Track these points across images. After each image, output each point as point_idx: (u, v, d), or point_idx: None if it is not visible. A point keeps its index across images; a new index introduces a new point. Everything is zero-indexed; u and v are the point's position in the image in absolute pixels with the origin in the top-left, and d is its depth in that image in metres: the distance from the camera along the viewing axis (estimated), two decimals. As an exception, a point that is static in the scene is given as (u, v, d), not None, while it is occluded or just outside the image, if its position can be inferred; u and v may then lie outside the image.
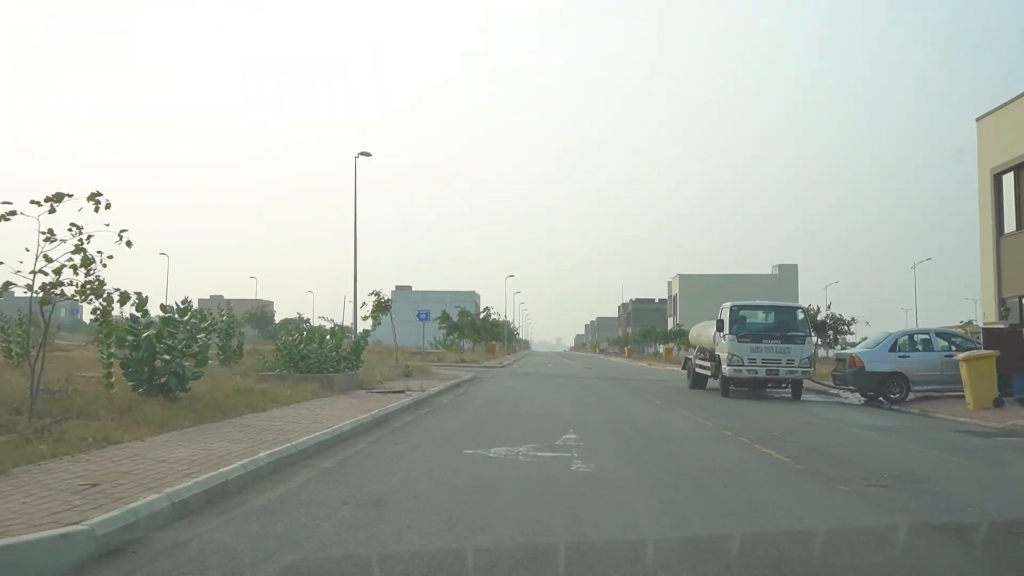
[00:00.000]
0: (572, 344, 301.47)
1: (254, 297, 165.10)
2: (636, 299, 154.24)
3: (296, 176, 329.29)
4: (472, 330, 60.65)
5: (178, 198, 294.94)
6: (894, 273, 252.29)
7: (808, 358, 25.40)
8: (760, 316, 27.11)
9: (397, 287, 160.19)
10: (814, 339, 29.31)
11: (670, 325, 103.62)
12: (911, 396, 23.49)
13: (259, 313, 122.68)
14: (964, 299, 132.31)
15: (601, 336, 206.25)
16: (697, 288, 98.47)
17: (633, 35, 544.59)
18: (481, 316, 62.09)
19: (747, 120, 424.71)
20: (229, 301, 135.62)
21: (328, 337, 21.20)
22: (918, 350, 24.40)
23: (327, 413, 13.84)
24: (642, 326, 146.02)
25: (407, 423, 14.42)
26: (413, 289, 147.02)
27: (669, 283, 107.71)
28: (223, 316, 22.85)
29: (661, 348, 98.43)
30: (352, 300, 52.45)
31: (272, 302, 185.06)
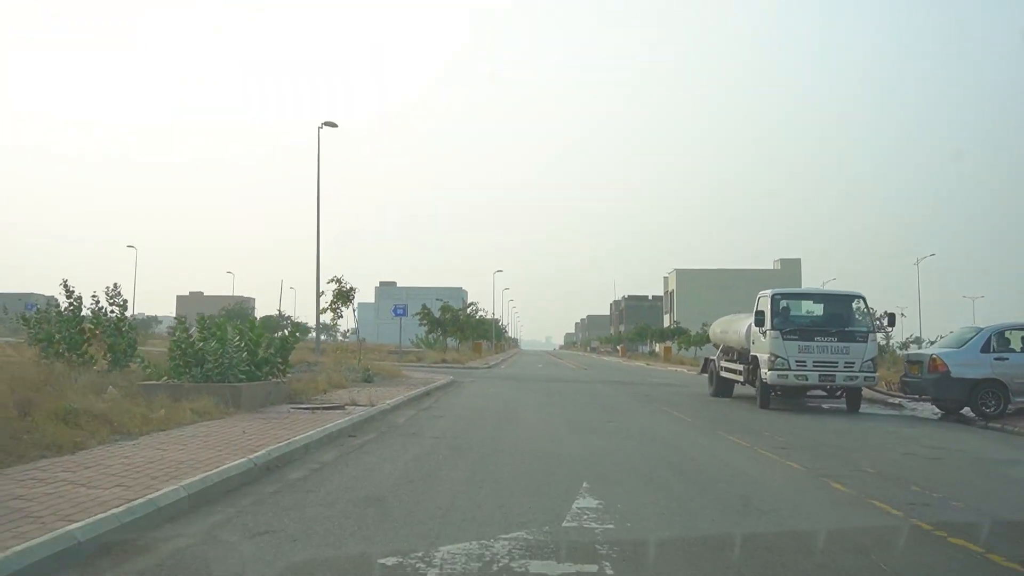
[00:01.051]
0: (562, 342, 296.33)
1: (232, 294, 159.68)
2: (629, 296, 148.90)
3: (288, 174, 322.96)
4: (455, 327, 55.12)
5: (166, 196, 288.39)
6: (896, 270, 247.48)
7: (872, 360, 19.97)
8: (809, 307, 21.81)
9: (381, 283, 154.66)
10: (877, 336, 23.84)
11: (666, 322, 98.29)
12: (1010, 408, 18.15)
13: (236, 310, 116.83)
14: (961, 297, 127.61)
15: (592, 334, 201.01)
16: (695, 284, 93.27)
17: (631, 28, 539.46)
18: (467, 311, 56.45)
19: (744, 115, 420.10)
20: (207, 297, 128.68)
21: (234, 332, 15.56)
22: (1016, 351, 19.05)
23: (174, 456, 8.28)
24: (636, 324, 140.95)
25: (311, 472, 8.80)
26: (398, 285, 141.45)
27: (665, 279, 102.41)
28: (113, 307, 17.16)
29: (658, 347, 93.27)
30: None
31: (253, 299, 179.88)
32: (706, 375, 26.48)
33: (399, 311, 45.63)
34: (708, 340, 71.83)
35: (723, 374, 23.54)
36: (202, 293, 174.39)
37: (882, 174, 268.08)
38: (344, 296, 27.43)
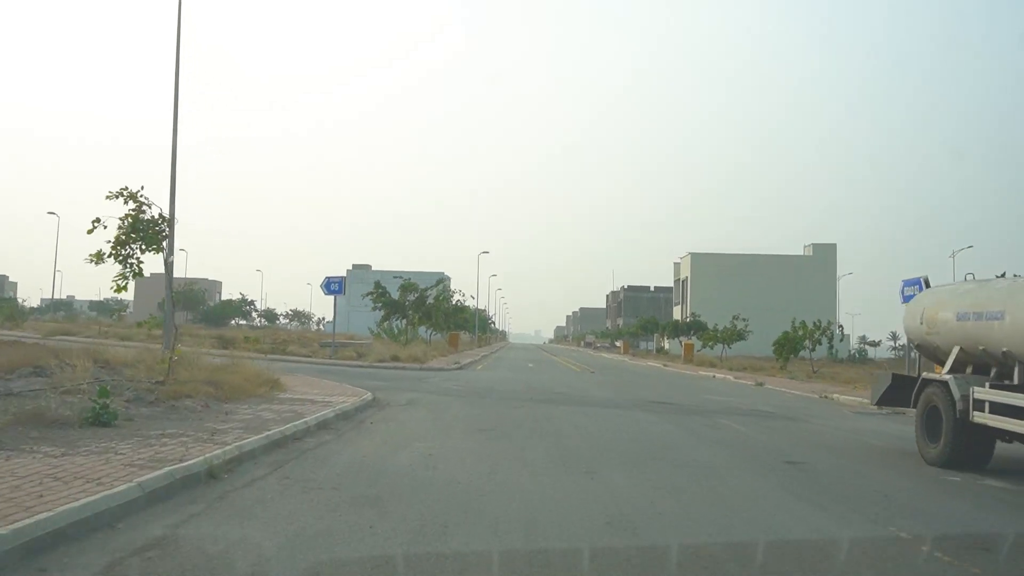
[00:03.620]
0: (551, 336, 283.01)
1: (201, 277, 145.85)
2: (629, 287, 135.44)
3: (283, 165, 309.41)
4: (421, 312, 41.51)
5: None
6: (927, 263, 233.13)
7: None
8: None
9: (354, 266, 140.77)
10: None
11: (677, 314, 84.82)
12: None
13: (186, 292, 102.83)
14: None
15: (586, 328, 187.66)
16: (713, 270, 79.87)
17: (640, 4, 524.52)
18: (436, 294, 42.79)
19: (758, 97, 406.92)
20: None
21: None
22: None
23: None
24: (635, 317, 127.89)
25: None
26: (373, 268, 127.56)
27: (676, 265, 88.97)
28: None
29: (666, 343, 79.96)
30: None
31: (220, 282, 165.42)
32: (881, 407, 12.87)
33: (333, 287, 31.97)
34: (740, 337, 58.89)
35: (977, 417, 9.75)
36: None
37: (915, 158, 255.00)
38: (144, 232, 13.34)
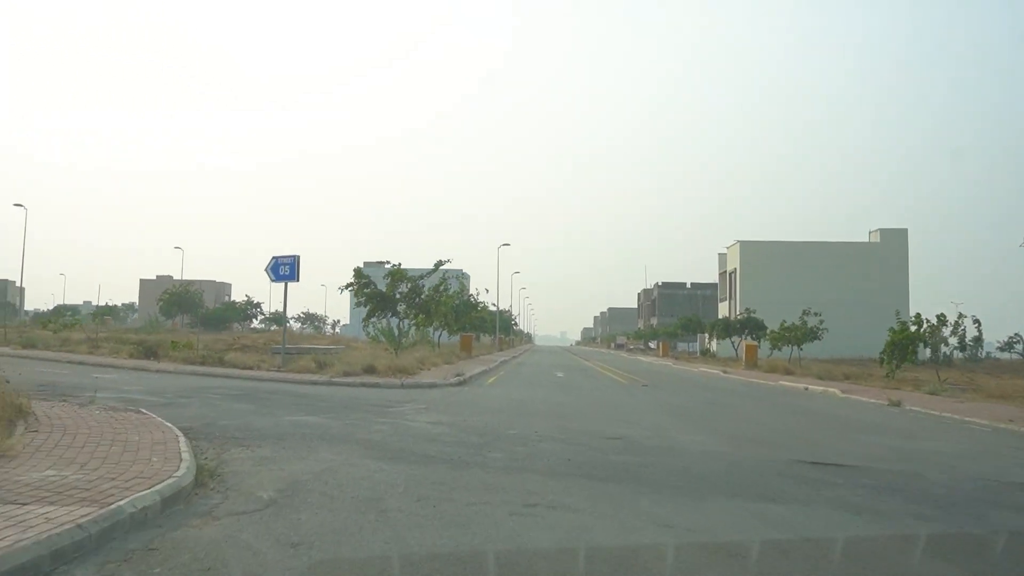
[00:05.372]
0: (579, 338, 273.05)
1: (208, 279, 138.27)
2: (663, 283, 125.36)
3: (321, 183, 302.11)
4: (417, 308, 32.08)
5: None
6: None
7: None
8: None
9: (365, 263, 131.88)
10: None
11: (723, 311, 74.85)
12: None
13: (180, 293, 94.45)
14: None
15: (615, 329, 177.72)
16: (765, 260, 69.82)
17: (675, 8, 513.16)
18: (440, 285, 33.34)
19: (804, 80, 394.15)
20: (176, 281, 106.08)
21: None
22: None
23: None
24: (671, 315, 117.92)
25: None
26: (389, 265, 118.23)
27: (722, 256, 78.86)
28: None
29: (713, 344, 70.07)
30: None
31: (229, 284, 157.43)
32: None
33: (282, 271, 22.78)
34: (813, 336, 48.73)
35: None
36: (171, 277, 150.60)
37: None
38: None
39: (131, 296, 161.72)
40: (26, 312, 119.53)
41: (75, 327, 36.79)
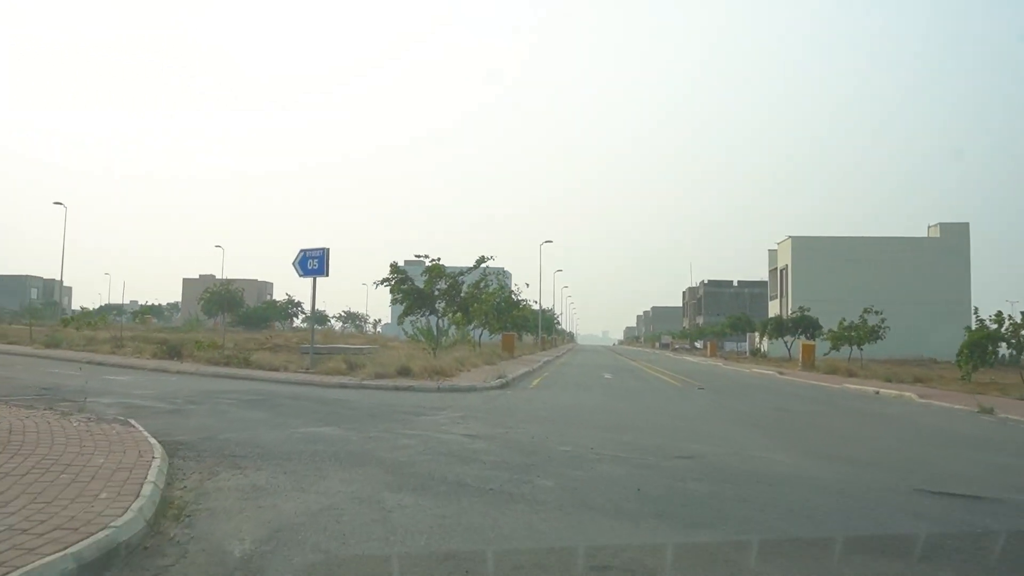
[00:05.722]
0: (621, 337, 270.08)
1: (250, 278, 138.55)
2: (709, 281, 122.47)
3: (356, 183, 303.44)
4: (456, 305, 30.38)
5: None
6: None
7: None
8: None
9: (406, 262, 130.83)
10: None
11: (773, 310, 72.13)
12: None
13: (221, 292, 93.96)
14: None
15: (659, 328, 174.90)
16: (819, 256, 67.08)
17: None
18: (476, 281, 31.64)
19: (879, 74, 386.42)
20: (219, 280, 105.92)
21: None
22: None
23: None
24: (717, 314, 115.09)
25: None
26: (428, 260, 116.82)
27: (772, 252, 76.06)
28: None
29: (764, 344, 67.41)
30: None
31: (271, 283, 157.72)
32: None
33: (311, 266, 21.21)
34: (875, 336, 45.95)
35: None
36: (213, 276, 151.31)
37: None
38: None
39: (177, 296, 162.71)
40: (73, 311, 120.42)
41: (99, 325, 35.70)
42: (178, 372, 20.51)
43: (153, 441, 8.16)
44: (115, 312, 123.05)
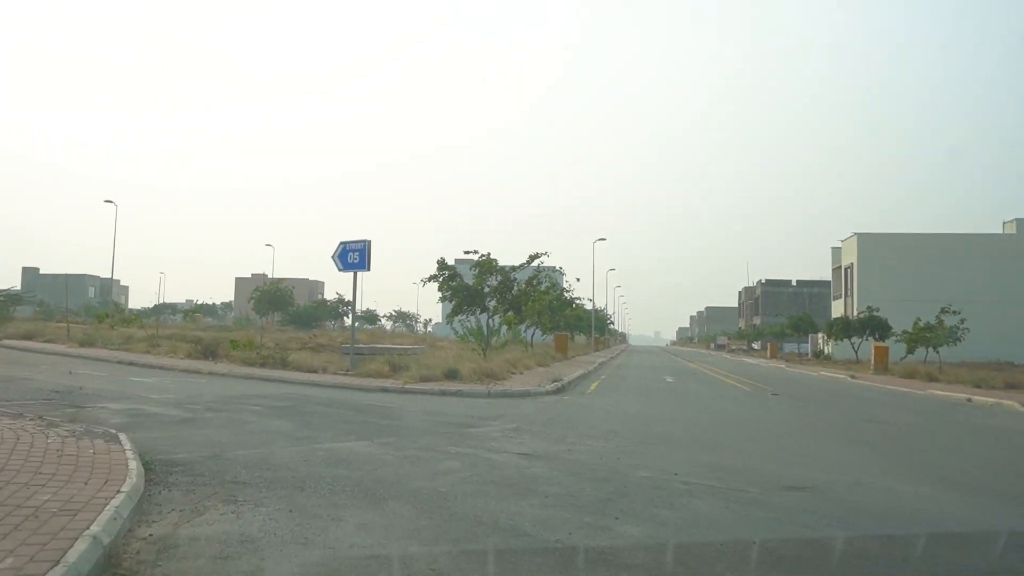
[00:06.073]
0: (674, 338, 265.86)
1: (303, 277, 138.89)
2: (767, 281, 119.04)
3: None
4: (506, 303, 28.63)
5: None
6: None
7: None
8: None
9: (456, 261, 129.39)
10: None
11: (837, 310, 69.05)
12: None
13: (271, 291, 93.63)
14: None
15: (713, 329, 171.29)
16: (887, 253, 63.89)
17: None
18: (529, 278, 29.88)
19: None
20: (271, 280, 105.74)
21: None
22: None
23: None
24: (775, 314, 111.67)
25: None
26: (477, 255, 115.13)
27: (836, 250, 72.83)
28: None
29: (828, 346, 64.41)
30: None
31: (322, 282, 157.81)
32: None
33: (351, 259, 19.64)
34: (953, 338, 42.85)
35: None
36: (265, 275, 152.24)
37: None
38: None
39: (231, 295, 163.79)
40: (130, 310, 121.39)
41: (135, 323, 34.73)
42: (209, 373, 19.09)
43: (133, 464, 6.52)
44: (169, 311, 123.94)
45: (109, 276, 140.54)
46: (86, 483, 5.76)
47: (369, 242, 19.93)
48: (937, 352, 41.61)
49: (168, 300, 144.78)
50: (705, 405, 18.00)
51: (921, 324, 42.52)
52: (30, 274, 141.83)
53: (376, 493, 6.57)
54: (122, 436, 7.93)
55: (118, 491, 5.46)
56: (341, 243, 20.23)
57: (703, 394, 21.74)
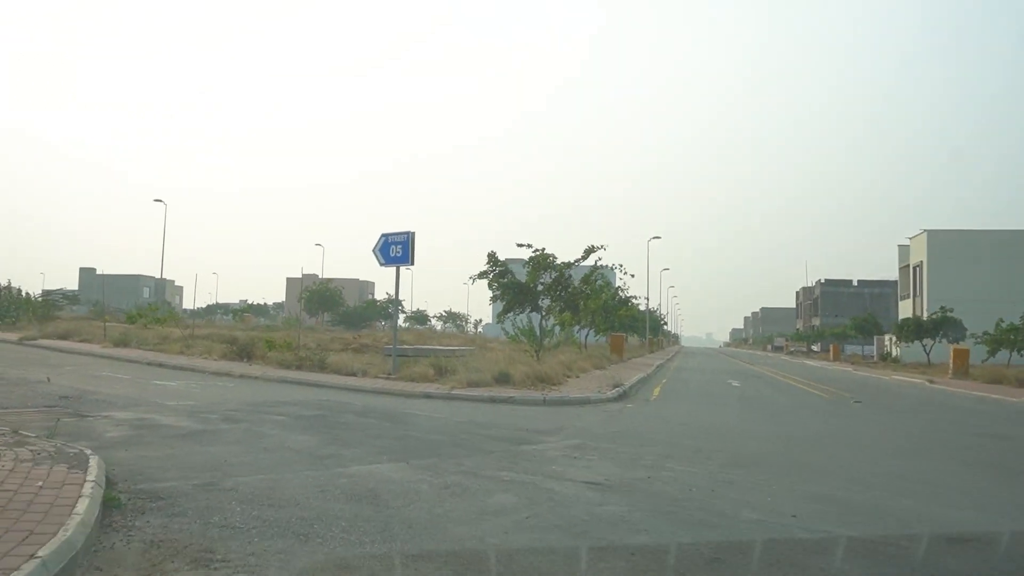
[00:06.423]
0: (727, 339, 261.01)
1: (352, 277, 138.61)
2: (827, 280, 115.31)
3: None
4: (562, 300, 26.84)
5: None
6: None
7: None
8: None
9: (507, 260, 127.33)
10: None
11: (905, 311, 65.85)
12: None
13: (320, 291, 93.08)
14: None
15: (768, 330, 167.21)
16: (960, 251, 60.61)
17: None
18: (586, 275, 28.06)
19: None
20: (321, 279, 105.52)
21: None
22: None
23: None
24: (835, 316, 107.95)
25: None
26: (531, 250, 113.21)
27: (904, 248, 69.48)
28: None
29: (895, 348, 61.35)
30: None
31: (372, 282, 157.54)
32: None
33: (393, 253, 18.06)
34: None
35: None
36: (316, 275, 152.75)
37: None
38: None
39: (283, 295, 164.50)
40: (185, 311, 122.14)
41: (167, 322, 33.70)
42: (240, 376, 17.68)
43: (82, 506, 4.92)
44: (221, 311, 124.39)
45: (163, 277, 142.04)
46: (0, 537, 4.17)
47: (412, 234, 18.33)
48: (1022, 355, 38.83)
49: (222, 300, 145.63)
50: (786, 415, 16.05)
51: (1004, 324, 39.73)
52: (87, 274, 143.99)
53: (404, 547, 4.89)
54: (93, 461, 6.37)
55: (32, 556, 3.85)
56: (383, 235, 18.67)
57: (779, 401, 19.73)
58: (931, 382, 33.61)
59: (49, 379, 15.20)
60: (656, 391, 20.82)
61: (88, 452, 6.77)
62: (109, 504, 5.44)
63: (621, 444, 10.06)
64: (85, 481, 5.58)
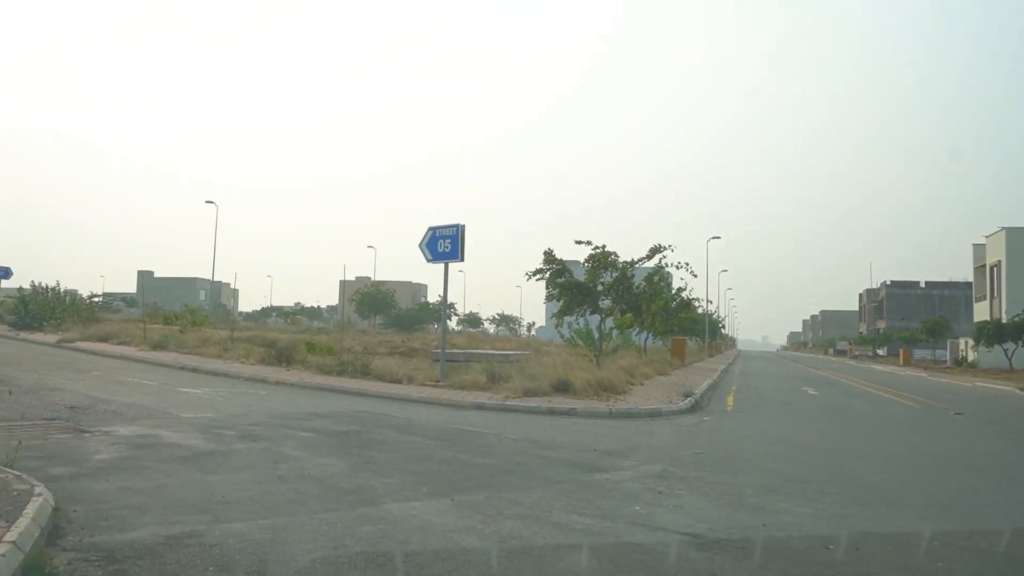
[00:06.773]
0: (784, 343, 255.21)
1: (405, 280, 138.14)
2: (892, 282, 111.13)
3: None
4: (624, 301, 24.94)
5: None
6: None
7: None
8: None
9: (564, 261, 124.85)
10: None
11: (981, 313, 62.37)
12: None
13: (372, 294, 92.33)
14: None
15: (829, 333, 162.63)
16: (1043, 250, 57.07)
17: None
18: (650, 274, 26.08)
19: None
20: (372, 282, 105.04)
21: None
22: None
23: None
24: (901, 318, 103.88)
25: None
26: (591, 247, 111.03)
27: (980, 247, 65.82)
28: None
29: (973, 353, 58.03)
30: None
31: (425, 285, 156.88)
32: None
33: (442, 248, 16.42)
34: None
35: None
36: (368, 278, 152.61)
37: None
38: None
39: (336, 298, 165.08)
40: (240, 313, 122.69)
41: (204, 323, 32.63)
42: (276, 383, 16.26)
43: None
44: (275, 313, 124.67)
45: (218, 279, 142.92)
46: None
47: (462, 227, 16.71)
48: None
49: (276, 303, 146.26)
50: (884, 430, 14.05)
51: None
52: (145, 277, 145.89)
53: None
54: (32, 506, 4.80)
55: None
56: (430, 228, 17.09)
57: (867, 412, 17.67)
58: (1022, 390, 30.99)
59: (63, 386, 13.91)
60: (730, 400, 18.90)
61: (38, 490, 5.22)
62: (29, 577, 3.87)
63: (711, 471, 8.26)
64: (18, 528, 4.02)
